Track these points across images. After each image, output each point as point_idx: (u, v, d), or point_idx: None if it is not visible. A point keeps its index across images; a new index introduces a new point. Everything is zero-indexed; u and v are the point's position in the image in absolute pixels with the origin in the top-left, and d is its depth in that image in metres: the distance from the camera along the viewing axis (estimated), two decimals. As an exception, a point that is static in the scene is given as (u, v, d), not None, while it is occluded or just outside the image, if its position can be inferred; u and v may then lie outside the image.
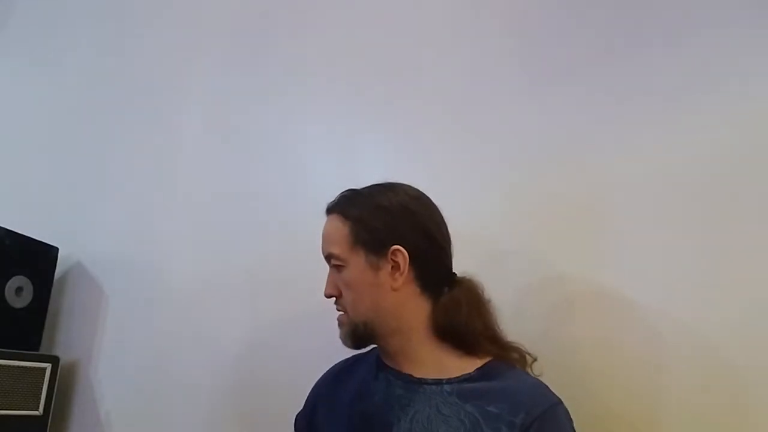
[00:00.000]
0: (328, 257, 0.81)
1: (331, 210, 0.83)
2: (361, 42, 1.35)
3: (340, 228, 0.80)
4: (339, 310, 0.82)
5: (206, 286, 1.33)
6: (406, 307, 0.78)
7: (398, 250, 0.77)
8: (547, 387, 0.73)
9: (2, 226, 1.32)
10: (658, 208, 0.94)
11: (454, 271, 0.83)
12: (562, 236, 1.00)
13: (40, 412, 1.26)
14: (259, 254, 1.29)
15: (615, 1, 1.07)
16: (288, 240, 1.25)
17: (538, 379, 0.75)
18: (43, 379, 1.28)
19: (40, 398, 1.27)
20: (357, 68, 1.33)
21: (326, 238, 0.82)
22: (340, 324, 0.82)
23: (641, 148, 0.97)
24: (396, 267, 0.77)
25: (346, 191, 0.84)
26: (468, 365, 0.76)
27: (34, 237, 1.40)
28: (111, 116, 1.66)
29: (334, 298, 0.83)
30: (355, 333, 0.79)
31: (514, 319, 0.86)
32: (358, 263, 0.78)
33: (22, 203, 1.68)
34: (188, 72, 1.58)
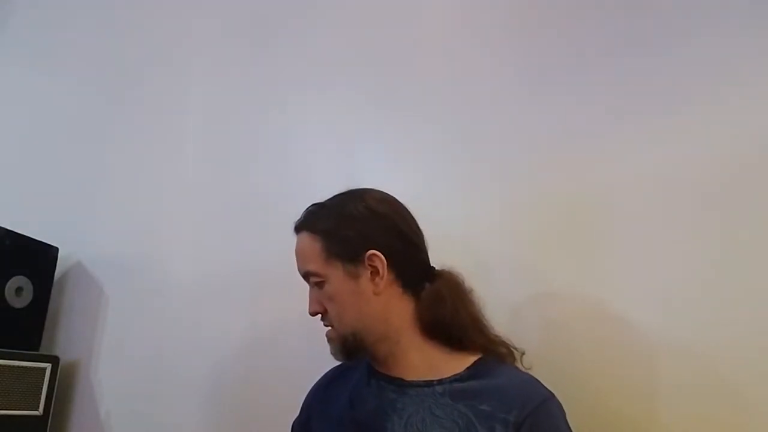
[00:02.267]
0: (306, 275, 0.81)
1: (299, 228, 0.83)
2: (361, 43, 1.35)
3: (312, 244, 0.80)
4: (326, 326, 0.82)
5: (206, 287, 1.33)
6: (391, 309, 0.78)
7: (374, 254, 0.77)
8: (539, 381, 0.73)
9: (2, 226, 1.32)
10: (657, 216, 0.93)
11: (432, 264, 0.83)
12: (560, 243, 1.00)
13: (40, 412, 1.26)
14: (259, 254, 1.29)
15: (615, 1, 1.07)
16: (288, 240, 1.24)
17: (528, 374, 0.75)
18: (43, 379, 1.28)
19: (40, 398, 1.27)
20: (356, 69, 1.33)
21: (300, 257, 0.82)
22: (330, 340, 0.81)
23: (642, 154, 0.96)
24: (375, 272, 0.77)
25: (310, 207, 0.84)
26: (458, 364, 0.76)
27: (34, 237, 1.40)
28: (111, 116, 1.66)
29: (319, 315, 0.82)
30: (346, 345, 0.79)
31: (509, 327, 0.86)
32: (337, 275, 0.78)
33: (22, 203, 1.68)
34: (189, 72, 1.58)
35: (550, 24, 1.12)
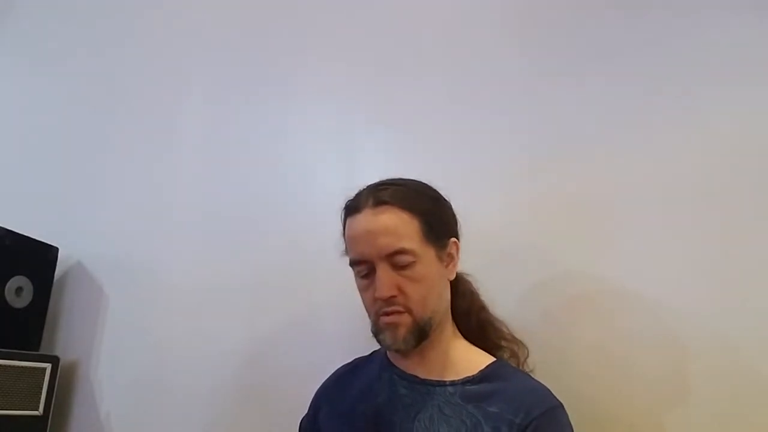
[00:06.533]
0: (395, 253, 0.73)
1: (384, 202, 0.75)
2: (361, 43, 1.35)
3: (408, 222, 0.74)
4: (393, 312, 0.74)
5: (206, 286, 1.33)
6: (448, 297, 0.82)
7: (455, 242, 0.80)
8: (549, 390, 0.74)
9: (2, 226, 1.32)
10: (661, 206, 0.94)
11: None
12: (565, 234, 1.00)
13: (40, 412, 1.26)
14: (259, 254, 1.29)
15: (617, 3, 1.07)
16: (288, 241, 1.25)
17: (539, 382, 0.76)
18: (43, 379, 1.28)
19: (40, 398, 1.27)
20: (356, 70, 1.33)
21: (391, 233, 0.73)
22: (397, 326, 0.74)
23: (645, 146, 0.98)
24: (451, 258, 0.80)
25: (385, 183, 0.79)
26: (473, 365, 0.77)
27: (34, 237, 1.40)
28: (111, 116, 1.66)
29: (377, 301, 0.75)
30: (423, 330, 0.75)
31: (516, 319, 0.88)
32: (430, 257, 0.75)
33: (22, 203, 1.68)
34: (188, 72, 1.58)
35: (554, 22, 1.13)
